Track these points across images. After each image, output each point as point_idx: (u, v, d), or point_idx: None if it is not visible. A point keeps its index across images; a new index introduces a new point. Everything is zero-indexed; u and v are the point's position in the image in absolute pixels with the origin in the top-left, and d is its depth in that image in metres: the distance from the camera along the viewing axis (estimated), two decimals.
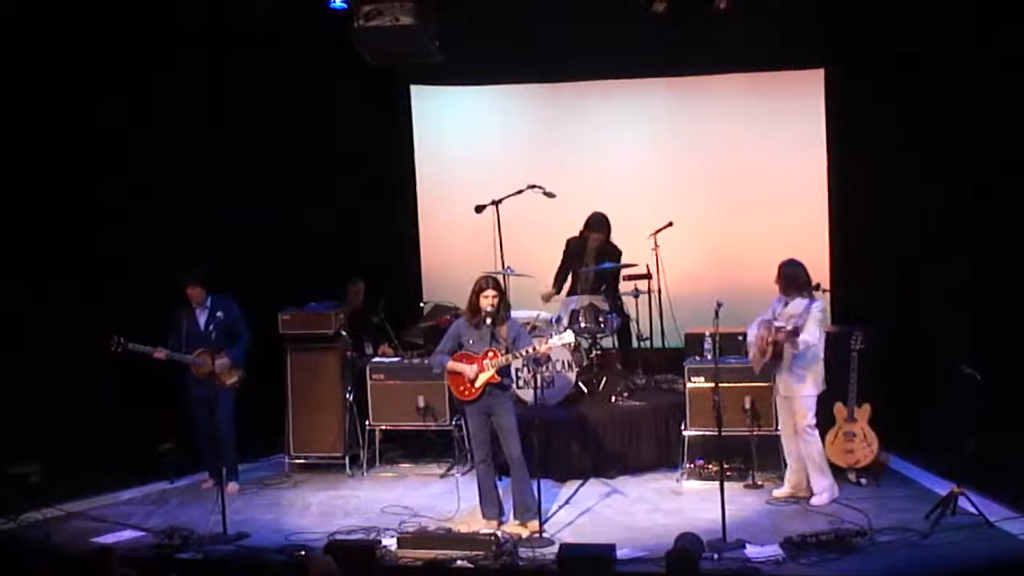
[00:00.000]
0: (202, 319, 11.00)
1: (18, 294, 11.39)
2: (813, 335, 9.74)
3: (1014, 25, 10.35)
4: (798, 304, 9.88)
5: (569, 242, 12.27)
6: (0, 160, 11.31)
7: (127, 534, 9.87)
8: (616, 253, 12.07)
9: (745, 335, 10.49)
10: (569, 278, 12.25)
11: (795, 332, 9.72)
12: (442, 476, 11.35)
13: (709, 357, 10.77)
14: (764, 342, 9.93)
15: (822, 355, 9.97)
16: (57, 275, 11.62)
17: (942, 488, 9.75)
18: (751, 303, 11.09)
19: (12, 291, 11.35)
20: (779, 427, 10.30)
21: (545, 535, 9.35)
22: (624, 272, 12.10)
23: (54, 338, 11.47)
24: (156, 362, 10.78)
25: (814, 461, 9.97)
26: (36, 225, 11.56)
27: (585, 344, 11.82)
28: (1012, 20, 10.33)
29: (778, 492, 10.28)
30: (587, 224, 12.05)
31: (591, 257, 12.04)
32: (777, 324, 9.86)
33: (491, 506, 9.80)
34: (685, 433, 10.92)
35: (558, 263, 12.31)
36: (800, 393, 9.95)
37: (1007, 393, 10.08)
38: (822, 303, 9.94)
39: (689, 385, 10.93)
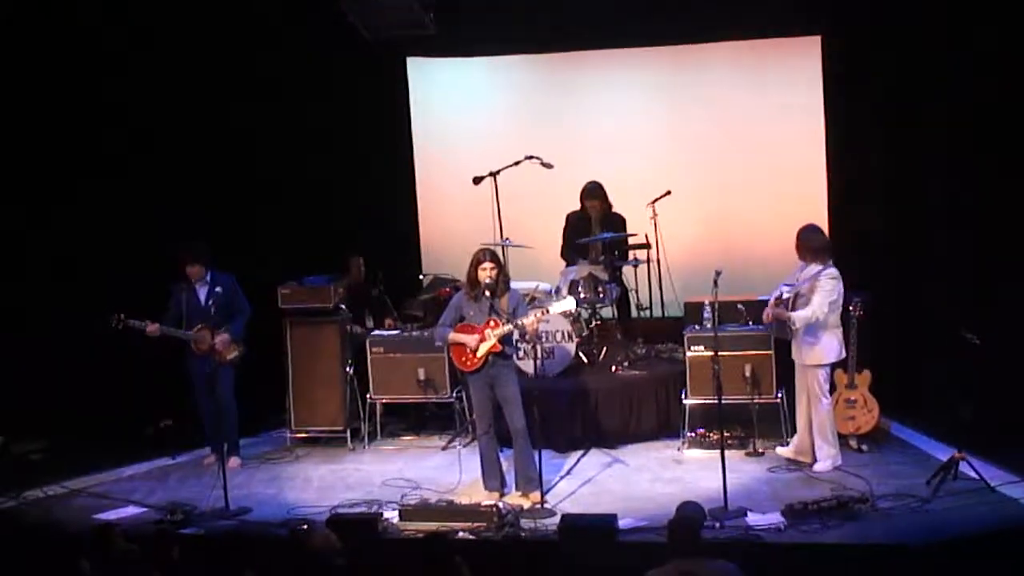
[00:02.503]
0: (202, 295, 10.97)
1: (19, 270, 11.39)
2: (818, 307, 9.69)
3: None
4: (810, 271, 9.86)
5: (569, 217, 12.25)
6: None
7: (129, 510, 9.89)
8: (620, 221, 12.06)
9: (743, 304, 10.54)
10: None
11: (784, 306, 9.76)
12: (443, 448, 11.36)
13: (709, 326, 10.75)
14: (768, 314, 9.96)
15: (837, 324, 9.91)
16: (58, 250, 11.64)
17: (943, 454, 9.74)
18: (750, 271, 11.13)
19: (14, 267, 11.36)
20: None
21: (547, 506, 9.36)
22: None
23: (56, 315, 11.48)
24: (155, 338, 10.76)
25: (822, 429, 9.96)
26: (37, 201, 11.57)
27: (585, 314, 11.81)
28: None
29: (782, 450, 10.33)
30: (584, 194, 12.04)
31: (597, 226, 12.02)
32: (778, 295, 9.85)
33: (493, 478, 9.81)
34: (685, 402, 10.93)
35: (559, 237, 12.28)
36: (808, 362, 9.94)
37: (1007, 357, 10.07)
38: (833, 270, 9.81)
39: (689, 354, 10.92)
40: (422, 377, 11.36)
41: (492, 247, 9.94)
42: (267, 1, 12.13)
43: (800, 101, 12.76)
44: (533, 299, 11.36)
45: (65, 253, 11.71)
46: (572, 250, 12.08)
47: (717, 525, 8.64)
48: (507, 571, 8.54)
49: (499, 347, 9.53)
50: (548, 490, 9.66)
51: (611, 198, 12.07)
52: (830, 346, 9.89)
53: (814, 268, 9.83)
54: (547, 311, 9.83)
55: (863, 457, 10.27)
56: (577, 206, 12.16)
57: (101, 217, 11.88)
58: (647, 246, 11.92)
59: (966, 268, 10.89)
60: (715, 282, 9.33)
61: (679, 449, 10.86)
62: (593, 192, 12.00)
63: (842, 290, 9.85)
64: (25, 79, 11.49)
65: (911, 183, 11.54)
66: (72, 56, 11.62)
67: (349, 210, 13.15)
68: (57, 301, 11.54)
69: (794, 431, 10.29)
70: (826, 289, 9.74)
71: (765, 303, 10.15)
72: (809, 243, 9.91)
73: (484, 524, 8.87)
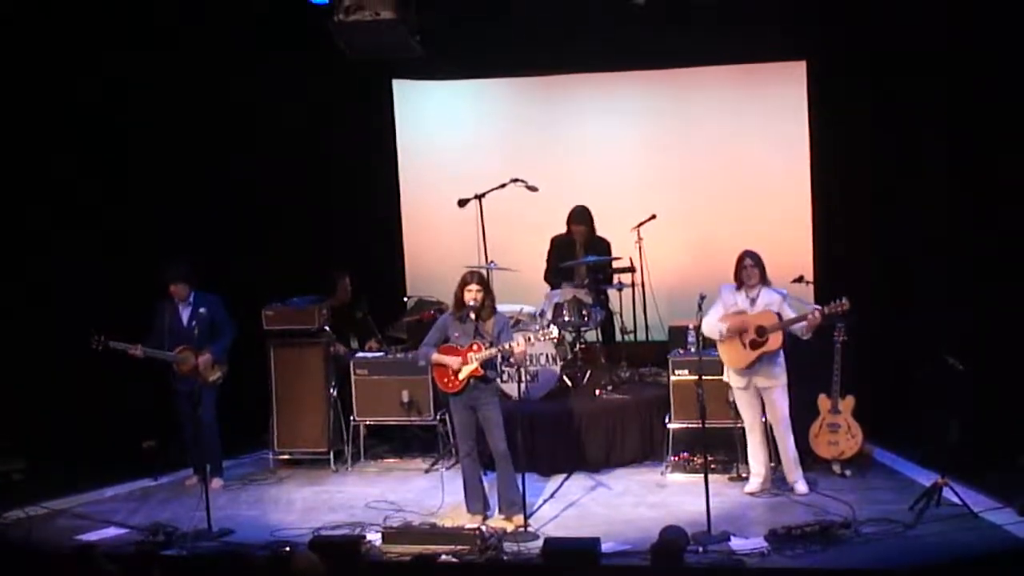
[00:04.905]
0: (185, 315, 10.97)
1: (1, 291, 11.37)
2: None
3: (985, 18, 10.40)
4: (770, 293, 9.88)
5: (554, 240, 12.27)
6: None
7: (111, 531, 9.83)
8: (604, 245, 12.07)
9: None
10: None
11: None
12: (427, 471, 11.34)
13: (693, 350, 10.76)
14: (751, 331, 9.87)
15: None
16: (39, 271, 11.59)
17: (926, 479, 9.74)
18: None
19: None
20: (744, 422, 10.20)
21: (530, 529, 9.33)
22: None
23: (36, 335, 11.42)
24: (137, 359, 10.74)
25: (793, 452, 9.99)
26: (13, 221, 11.54)
27: (569, 338, 11.81)
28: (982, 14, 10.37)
29: (751, 488, 10.20)
30: (570, 218, 12.08)
31: (581, 250, 12.04)
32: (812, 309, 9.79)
33: (476, 500, 9.79)
34: (669, 426, 10.94)
35: (544, 260, 12.31)
36: (782, 382, 9.94)
37: (990, 383, 10.09)
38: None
39: (673, 378, 10.94)
40: (406, 399, 11.36)
41: (479, 270, 9.96)
42: (252, 23, 12.10)
43: (785, 126, 12.82)
44: (517, 322, 11.37)
45: (47, 271, 11.66)
46: (556, 274, 12.09)
47: (700, 549, 8.62)
48: None
49: (481, 371, 9.54)
50: (531, 514, 9.63)
51: (596, 221, 12.11)
52: (784, 367, 9.95)
53: (773, 291, 9.87)
54: (531, 341, 9.84)
55: (846, 482, 10.27)
56: (562, 229, 12.19)
57: (85, 235, 11.86)
58: (632, 270, 11.93)
59: (951, 293, 10.90)
60: (699, 306, 9.36)
61: (663, 473, 10.86)
62: (579, 217, 12.04)
63: None
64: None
65: (895, 207, 11.56)
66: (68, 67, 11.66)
67: (334, 232, 13.14)
68: (37, 319, 11.49)
69: (771, 458, 10.25)
70: (795, 306, 9.80)
71: None
72: (762, 266, 9.92)
73: (467, 547, 8.84)
